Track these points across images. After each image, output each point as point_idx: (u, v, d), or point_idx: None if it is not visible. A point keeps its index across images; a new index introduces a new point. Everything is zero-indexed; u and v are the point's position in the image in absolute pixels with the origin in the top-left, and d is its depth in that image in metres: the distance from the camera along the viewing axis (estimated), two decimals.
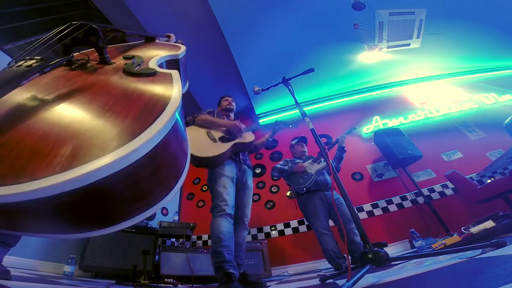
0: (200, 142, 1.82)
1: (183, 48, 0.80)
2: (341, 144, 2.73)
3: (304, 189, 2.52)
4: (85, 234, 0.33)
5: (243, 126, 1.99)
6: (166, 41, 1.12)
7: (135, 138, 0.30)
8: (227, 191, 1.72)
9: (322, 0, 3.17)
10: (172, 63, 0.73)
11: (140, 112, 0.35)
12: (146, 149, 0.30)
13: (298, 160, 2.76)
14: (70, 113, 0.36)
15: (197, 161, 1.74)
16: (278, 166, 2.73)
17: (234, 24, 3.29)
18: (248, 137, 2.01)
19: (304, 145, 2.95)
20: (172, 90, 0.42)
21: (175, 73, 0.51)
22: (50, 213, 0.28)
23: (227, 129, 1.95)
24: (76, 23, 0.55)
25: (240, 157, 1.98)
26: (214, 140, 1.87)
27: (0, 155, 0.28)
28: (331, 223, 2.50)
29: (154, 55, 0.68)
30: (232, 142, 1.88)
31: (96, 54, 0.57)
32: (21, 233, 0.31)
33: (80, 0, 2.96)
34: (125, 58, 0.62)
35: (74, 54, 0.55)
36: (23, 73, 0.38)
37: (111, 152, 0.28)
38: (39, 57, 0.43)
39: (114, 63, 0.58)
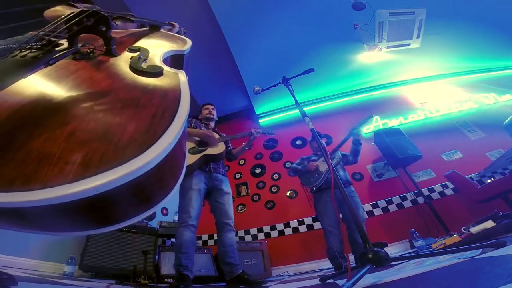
0: None
1: (189, 43, 0.78)
2: (355, 137, 2.66)
3: (314, 188, 2.54)
4: (83, 233, 0.33)
5: (216, 135, 2.09)
6: (170, 29, 1.12)
7: (147, 150, 0.30)
8: (192, 204, 1.85)
9: (322, 0, 3.18)
10: (176, 58, 0.71)
11: (150, 121, 0.35)
12: (157, 161, 0.30)
13: (313, 157, 2.76)
14: (77, 115, 0.34)
15: None
16: (293, 165, 2.78)
17: (234, 23, 3.29)
18: (220, 147, 2.09)
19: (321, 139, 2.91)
20: (181, 96, 0.42)
21: (182, 74, 0.50)
22: (54, 215, 0.27)
23: (200, 139, 2.05)
24: (88, 11, 0.53)
25: (211, 166, 2.06)
26: None
27: (4, 158, 0.26)
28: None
29: (160, 48, 0.66)
30: (201, 154, 1.98)
31: (100, 42, 0.55)
32: (21, 231, 0.30)
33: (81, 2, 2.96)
34: (131, 50, 0.60)
35: (79, 42, 0.52)
36: (28, 64, 0.36)
37: (123, 164, 0.27)
38: (46, 47, 0.41)
39: (119, 54, 0.56)
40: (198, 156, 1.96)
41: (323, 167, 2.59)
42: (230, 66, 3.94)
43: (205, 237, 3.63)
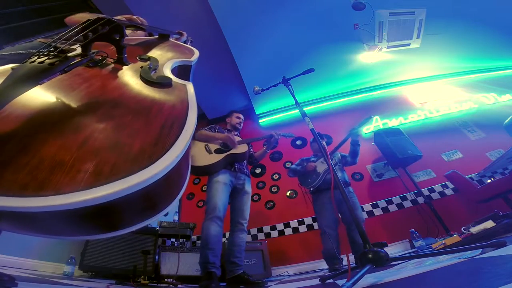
0: (197, 154, 2.10)
1: (196, 53, 0.80)
2: (354, 138, 2.67)
3: (311, 188, 2.57)
4: (90, 237, 0.34)
5: (236, 139, 2.17)
6: (178, 38, 1.14)
7: (156, 162, 0.31)
8: (219, 197, 1.88)
9: (322, 0, 3.18)
10: (183, 68, 0.73)
11: (159, 132, 0.36)
12: (164, 172, 0.31)
13: (313, 159, 2.79)
14: (89, 124, 0.35)
15: (194, 170, 2.04)
16: (293, 166, 2.81)
17: (234, 24, 3.29)
18: (241, 148, 2.17)
19: (321, 141, 2.92)
20: (189, 109, 0.43)
21: (190, 85, 0.52)
22: (63, 221, 0.28)
23: (222, 142, 2.16)
24: (104, 19, 0.54)
25: (236, 166, 2.14)
26: (210, 152, 2.11)
27: (18, 163, 0.27)
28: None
29: (169, 58, 0.68)
30: (225, 154, 2.09)
31: (112, 49, 0.56)
32: (28, 234, 0.31)
33: (80, 1, 2.96)
34: (141, 59, 0.62)
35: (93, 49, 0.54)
36: (44, 71, 0.36)
37: (133, 175, 0.29)
38: (63, 54, 0.41)
39: (130, 63, 0.58)
40: (223, 155, 2.08)
41: (321, 167, 2.61)
42: (230, 66, 3.94)
43: None
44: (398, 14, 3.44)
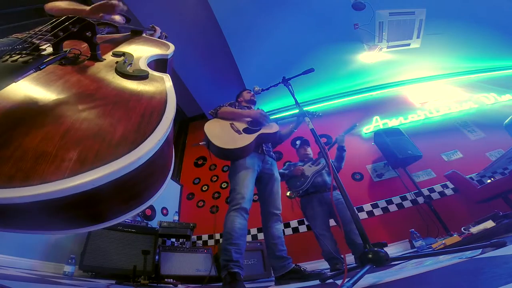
0: (225, 134, 1.81)
1: (172, 47, 0.79)
2: (340, 144, 2.75)
3: (301, 191, 2.59)
4: (79, 230, 0.34)
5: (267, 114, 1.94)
6: (152, 34, 1.13)
7: (138, 146, 0.32)
8: (246, 184, 1.66)
9: (322, 0, 3.18)
10: (160, 62, 0.72)
11: (139, 120, 0.37)
12: (148, 156, 0.32)
13: (300, 163, 2.80)
14: (70, 115, 0.35)
15: (224, 153, 1.75)
16: (280, 171, 2.79)
17: (234, 24, 3.29)
18: (274, 127, 1.96)
19: (307, 147, 2.96)
20: (167, 98, 0.44)
21: (167, 77, 0.52)
22: (49, 213, 0.28)
23: (252, 119, 1.91)
24: (74, 17, 0.54)
25: (264, 148, 1.92)
26: (238, 131, 1.82)
27: (2, 157, 0.27)
28: (332, 222, 2.52)
29: (144, 53, 0.68)
30: (257, 133, 1.83)
31: (84, 46, 0.56)
32: (15, 231, 0.31)
33: (80, 1, 2.96)
34: (115, 54, 0.61)
35: (63, 46, 0.54)
36: (18, 69, 0.37)
37: (117, 159, 0.29)
38: (36, 52, 0.41)
39: (105, 59, 0.57)
40: (254, 136, 1.80)
41: (309, 171, 2.63)
42: (230, 66, 3.94)
43: (205, 237, 3.63)
44: (398, 14, 3.44)
